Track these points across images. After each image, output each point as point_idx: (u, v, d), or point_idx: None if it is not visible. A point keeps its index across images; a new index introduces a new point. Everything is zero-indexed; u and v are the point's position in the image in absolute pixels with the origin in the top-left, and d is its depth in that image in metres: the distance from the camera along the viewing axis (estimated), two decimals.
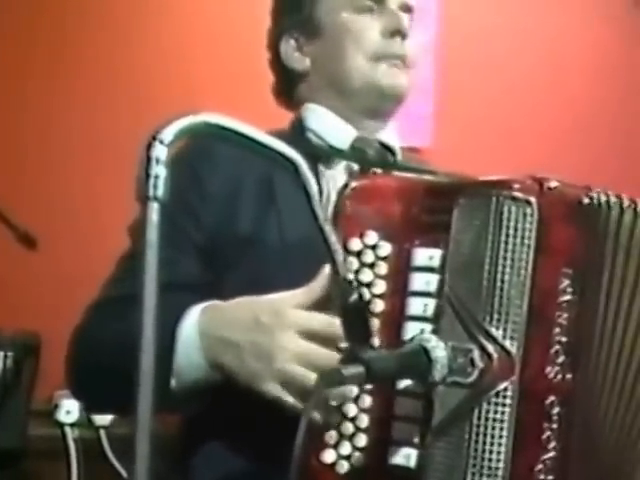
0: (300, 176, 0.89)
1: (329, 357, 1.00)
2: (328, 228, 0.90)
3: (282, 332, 1.01)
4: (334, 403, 0.99)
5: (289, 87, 1.36)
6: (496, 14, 2.58)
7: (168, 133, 0.81)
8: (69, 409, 2.04)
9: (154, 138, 0.81)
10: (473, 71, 2.52)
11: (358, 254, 1.01)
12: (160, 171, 0.80)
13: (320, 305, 1.02)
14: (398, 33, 1.29)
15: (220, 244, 1.18)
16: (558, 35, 2.62)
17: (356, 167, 1.23)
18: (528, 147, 2.51)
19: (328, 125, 1.30)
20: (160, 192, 0.80)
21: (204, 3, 2.38)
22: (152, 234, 0.79)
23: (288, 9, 1.35)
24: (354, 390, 0.99)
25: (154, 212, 0.80)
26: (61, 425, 2.05)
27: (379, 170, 1.08)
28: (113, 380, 0.93)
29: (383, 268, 1.00)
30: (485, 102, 2.53)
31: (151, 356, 0.76)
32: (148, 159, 0.80)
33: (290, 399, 1.01)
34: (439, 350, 0.91)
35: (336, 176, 1.25)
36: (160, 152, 0.81)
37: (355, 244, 1.01)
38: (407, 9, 1.33)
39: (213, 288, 1.15)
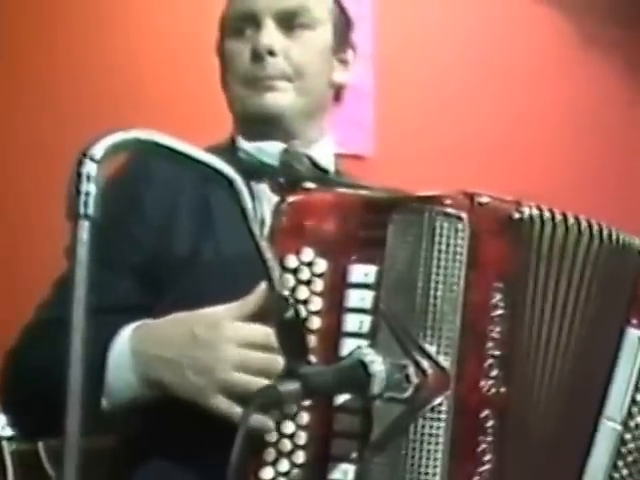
0: (235, 192, 0.89)
1: (268, 360, 1.00)
2: (264, 244, 0.90)
3: (220, 344, 1.01)
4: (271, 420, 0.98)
5: None
6: (434, 19, 2.61)
7: (99, 149, 0.80)
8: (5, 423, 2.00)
9: (84, 155, 0.79)
10: (413, 78, 2.53)
11: (294, 271, 1.01)
12: (91, 188, 0.79)
13: (255, 320, 1.02)
14: (262, 55, 1.24)
15: (158, 265, 1.17)
16: (494, 41, 2.66)
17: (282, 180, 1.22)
18: (468, 153, 2.54)
19: (257, 143, 1.28)
20: (91, 210, 0.78)
21: (133, 15, 2.35)
22: (82, 253, 0.78)
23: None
24: (292, 407, 0.98)
25: (84, 231, 0.78)
26: None
27: (310, 184, 1.08)
28: (42, 404, 0.92)
29: (319, 285, 1.00)
30: (426, 110, 2.55)
31: (79, 375, 0.75)
32: (78, 176, 0.79)
33: (236, 410, 1.00)
34: (377, 364, 0.91)
35: (266, 189, 1.24)
36: (91, 169, 0.79)
37: (291, 261, 1.01)
38: (288, 15, 1.26)
39: (151, 310, 1.14)
